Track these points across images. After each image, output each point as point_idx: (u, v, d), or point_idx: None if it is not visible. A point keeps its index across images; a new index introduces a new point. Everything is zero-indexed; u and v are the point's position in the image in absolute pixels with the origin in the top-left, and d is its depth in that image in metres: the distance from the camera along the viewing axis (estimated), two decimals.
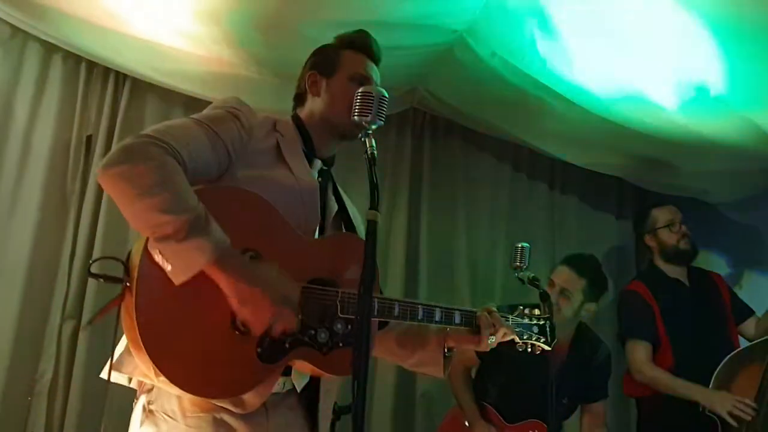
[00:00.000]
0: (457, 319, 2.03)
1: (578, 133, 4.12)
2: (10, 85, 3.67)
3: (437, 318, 1.99)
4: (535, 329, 2.20)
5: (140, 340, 1.54)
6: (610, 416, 3.86)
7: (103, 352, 3.58)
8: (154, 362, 1.54)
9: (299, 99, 2.19)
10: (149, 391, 1.82)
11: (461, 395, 3.55)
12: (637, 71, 3.31)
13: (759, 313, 3.81)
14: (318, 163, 2.08)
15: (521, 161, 4.93)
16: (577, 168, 4.79)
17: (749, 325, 3.81)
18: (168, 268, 1.54)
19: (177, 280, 1.54)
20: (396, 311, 1.90)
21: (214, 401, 1.70)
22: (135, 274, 1.58)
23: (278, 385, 1.82)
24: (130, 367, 1.74)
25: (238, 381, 1.65)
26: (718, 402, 3.36)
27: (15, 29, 3.66)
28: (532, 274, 2.76)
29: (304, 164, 1.99)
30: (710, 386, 3.43)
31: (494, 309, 2.09)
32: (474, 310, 2.09)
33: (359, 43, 2.17)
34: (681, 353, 3.65)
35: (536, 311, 2.23)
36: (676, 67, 3.23)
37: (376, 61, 2.18)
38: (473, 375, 3.68)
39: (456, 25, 3.35)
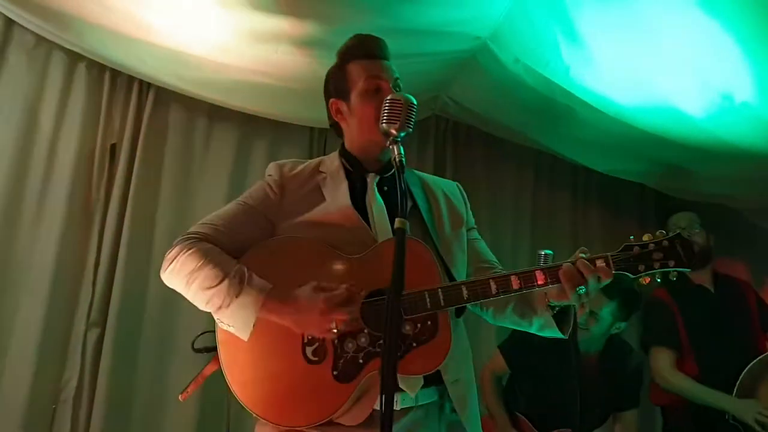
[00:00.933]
0: (541, 281, 1.84)
1: (601, 139, 4.09)
2: (35, 93, 3.70)
3: (515, 286, 1.85)
4: (659, 255, 1.89)
5: (234, 393, 1.80)
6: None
7: (127, 359, 3.63)
8: (249, 409, 1.79)
9: (336, 129, 2.18)
10: None
11: (492, 404, 3.53)
12: (663, 78, 3.29)
13: None
14: (372, 176, 2.05)
15: (543, 168, 4.93)
16: (599, 174, 4.76)
17: None
18: (233, 330, 1.79)
19: (243, 337, 1.79)
20: (465, 295, 1.84)
21: (311, 428, 1.80)
22: (217, 342, 1.85)
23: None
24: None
25: (324, 406, 1.78)
26: (744, 410, 3.32)
27: (39, 38, 3.69)
28: None
29: (343, 190, 2.02)
30: (734, 393, 3.39)
31: (582, 255, 1.86)
32: (558, 264, 1.86)
33: (355, 51, 2.10)
34: (705, 360, 3.60)
35: (658, 234, 1.92)
36: (701, 74, 3.20)
37: (381, 56, 2.08)
38: (504, 383, 3.65)
39: (479, 32, 3.35)
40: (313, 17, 3.17)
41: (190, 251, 1.83)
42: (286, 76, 3.67)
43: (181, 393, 1.98)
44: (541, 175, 4.92)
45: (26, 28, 3.63)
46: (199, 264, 1.80)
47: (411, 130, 1.78)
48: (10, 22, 3.63)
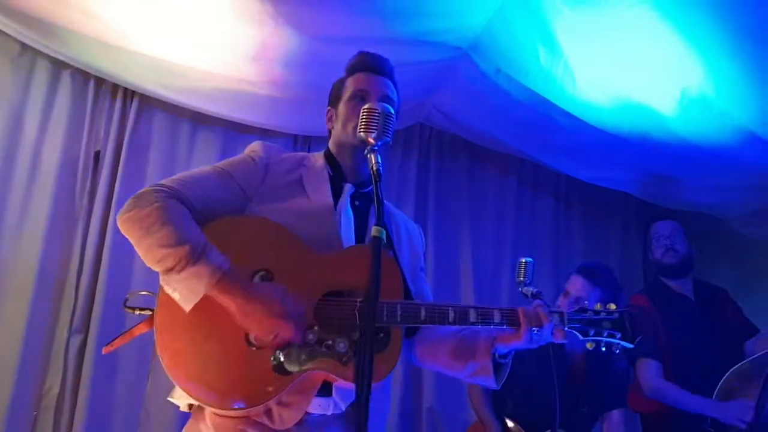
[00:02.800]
0: (497, 318, 1.89)
1: (583, 148, 4.13)
2: (20, 101, 3.71)
3: (472, 319, 1.88)
4: (608, 324, 1.99)
5: (162, 361, 1.71)
6: None
7: (109, 366, 3.63)
8: (174, 380, 1.71)
9: (329, 134, 2.22)
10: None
11: (481, 412, 3.54)
12: (643, 88, 3.33)
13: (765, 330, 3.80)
14: (348, 187, 2.08)
15: (526, 176, 4.96)
16: (582, 182, 4.79)
17: (752, 343, 3.79)
18: (176, 297, 1.70)
19: (186, 307, 1.69)
20: (422, 315, 1.85)
21: (235, 413, 1.75)
22: (156, 304, 1.76)
23: (321, 407, 1.84)
24: (179, 392, 1.82)
25: (255, 393, 1.71)
26: (727, 411, 3.34)
27: (24, 46, 3.70)
28: (536, 289, 2.77)
29: (325, 190, 2.04)
30: (713, 397, 3.43)
31: (541, 303, 1.95)
32: (515, 308, 1.93)
33: (355, 64, 2.19)
34: (684, 368, 3.63)
35: (610, 306, 2.02)
36: (683, 83, 3.24)
37: (378, 71, 2.16)
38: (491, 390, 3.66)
39: (460, 42, 3.38)
40: (296, 27, 3.19)
41: (155, 203, 1.75)
42: (269, 85, 3.70)
43: (106, 346, 1.92)
44: (523, 183, 4.95)
45: (11, 36, 3.64)
46: (163, 220, 1.72)
47: (389, 139, 1.79)
48: None
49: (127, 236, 1.78)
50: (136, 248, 1.76)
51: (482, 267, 4.60)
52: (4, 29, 3.59)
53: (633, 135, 3.80)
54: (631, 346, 1.99)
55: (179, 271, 1.67)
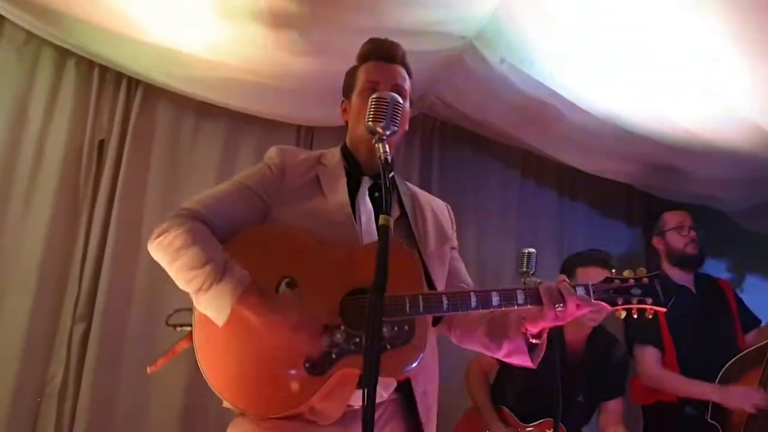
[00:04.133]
0: (521, 299, 1.88)
1: (587, 139, 4.12)
2: (24, 89, 3.71)
3: (495, 302, 1.87)
4: (637, 291, 1.95)
5: (204, 374, 1.80)
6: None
7: (112, 356, 3.64)
8: (217, 392, 1.79)
9: (346, 126, 2.23)
10: None
11: (479, 398, 3.56)
12: (648, 79, 3.32)
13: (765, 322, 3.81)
14: (366, 180, 2.10)
15: (530, 167, 4.96)
16: (585, 174, 4.79)
17: (753, 334, 3.80)
18: (209, 314, 1.79)
19: (219, 322, 1.78)
20: (445, 304, 1.86)
21: (276, 416, 1.82)
22: (193, 320, 1.86)
23: (360, 399, 1.84)
24: None
25: (293, 397, 1.78)
26: (734, 396, 3.35)
27: (30, 34, 3.70)
28: (539, 280, 2.76)
29: (341, 188, 2.06)
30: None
31: (564, 278, 1.93)
32: (538, 286, 1.91)
33: (366, 52, 2.19)
34: (686, 359, 3.64)
35: (640, 270, 1.98)
36: (686, 76, 3.23)
37: (389, 59, 2.16)
38: (492, 379, 3.68)
39: (465, 32, 3.37)
40: (301, 17, 3.18)
41: (180, 229, 1.83)
42: (274, 75, 3.69)
43: (150, 366, 2.00)
44: (527, 175, 4.95)
45: (16, 24, 3.64)
46: (187, 243, 1.80)
47: (397, 128, 1.79)
48: (0, 18, 3.64)
49: (159, 261, 1.88)
50: (168, 272, 1.86)
51: (485, 258, 4.61)
52: (9, 17, 3.60)
53: (636, 126, 3.80)
54: (664, 309, 1.97)
55: (206, 290, 1.76)
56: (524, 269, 2.73)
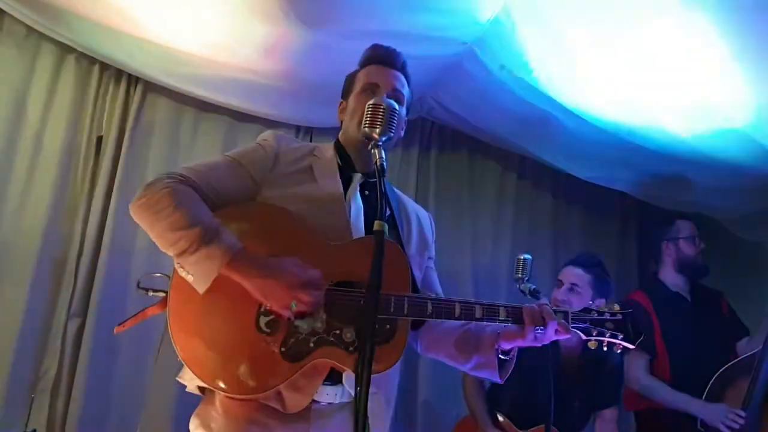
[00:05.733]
0: (503, 315, 1.92)
1: (583, 147, 4.14)
2: (24, 84, 3.72)
3: (478, 315, 1.90)
4: (610, 325, 2.03)
5: (173, 343, 1.75)
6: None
7: (107, 350, 3.64)
8: (185, 362, 1.75)
9: (341, 125, 2.24)
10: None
11: (474, 405, 3.58)
12: (645, 90, 3.34)
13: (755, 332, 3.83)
14: (358, 177, 2.11)
15: (526, 172, 4.97)
16: (581, 181, 4.81)
17: (743, 344, 3.83)
18: (190, 279, 1.74)
19: (200, 288, 1.73)
20: (429, 309, 1.88)
21: (245, 397, 1.78)
22: (170, 287, 1.80)
23: (329, 395, 1.87)
24: (189, 374, 1.83)
25: (264, 379, 1.75)
26: (712, 413, 3.39)
27: (30, 29, 3.71)
28: (533, 286, 2.79)
29: (335, 180, 2.06)
30: (703, 397, 3.47)
31: (546, 303, 1.99)
32: (521, 305, 1.97)
33: (367, 56, 2.22)
34: (678, 366, 3.67)
35: (614, 306, 2.06)
36: (684, 88, 3.25)
37: (390, 64, 2.19)
38: (488, 385, 3.69)
39: (465, 37, 3.38)
40: (304, 21, 3.19)
41: (166, 189, 1.79)
42: (274, 75, 3.70)
43: (118, 325, 1.95)
44: (523, 180, 4.97)
45: (17, 19, 3.65)
46: (175, 204, 1.76)
47: (392, 134, 1.81)
48: (1, 13, 3.65)
49: (139, 223, 1.82)
50: (149, 233, 1.79)
51: (480, 263, 4.62)
52: (10, 12, 3.60)
53: (633, 136, 3.81)
54: (632, 347, 2.03)
55: (192, 253, 1.70)
56: (519, 275, 2.75)
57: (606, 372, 3.52)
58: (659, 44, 2.95)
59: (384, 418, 1.98)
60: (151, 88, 4.01)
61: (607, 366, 3.52)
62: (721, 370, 3.49)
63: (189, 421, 1.95)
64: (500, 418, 3.50)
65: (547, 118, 3.85)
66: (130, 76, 3.97)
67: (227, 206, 1.89)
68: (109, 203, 3.80)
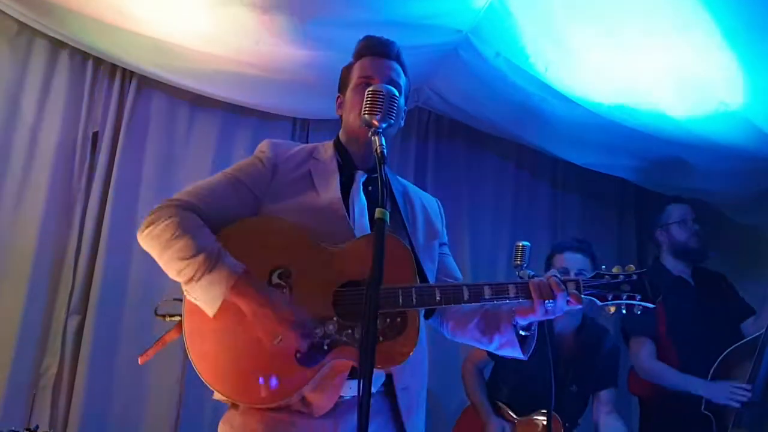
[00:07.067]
0: (512, 293, 1.90)
1: (581, 133, 4.13)
2: (17, 80, 3.70)
3: (487, 296, 1.89)
4: (627, 287, 1.97)
5: (194, 364, 1.79)
6: None
7: (107, 348, 3.64)
8: (206, 382, 1.78)
9: (341, 121, 2.22)
10: None
11: (474, 395, 3.59)
12: (641, 74, 3.33)
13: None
14: (359, 174, 2.10)
15: (524, 161, 4.97)
16: (579, 167, 4.80)
17: (749, 324, 3.83)
18: (200, 304, 1.79)
19: (209, 312, 1.78)
20: (437, 297, 1.87)
21: (266, 406, 1.82)
22: (183, 311, 1.85)
23: (354, 389, 1.84)
24: None
25: (283, 387, 1.77)
26: (718, 391, 3.39)
27: (22, 25, 3.68)
28: (533, 273, 2.78)
29: (334, 183, 2.05)
30: (708, 379, 3.47)
31: (555, 274, 1.94)
32: (527, 281, 1.94)
33: (361, 49, 2.19)
34: (684, 350, 3.67)
35: (629, 267, 1.99)
36: (680, 72, 3.24)
37: (384, 54, 2.16)
38: (487, 375, 3.70)
39: (460, 26, 3.37)
40: (297, 11, 3.18)
41: (170, 218, 1.83)
42: (269, 67, 3.69)
43: (140, 355, 1.97)
44: (522, 168, 4.97)
45: (8, 15, 3.62)
46: (178, 233, 1.80)
47: (393, 121, 1.80)
48: None
49: (148, 252, 1.87)
50: (158, 262, 1.84)
51: (479, 251, 4.62)
52: (2, 8, 3.58)
53: (630, 121, 3.80)
54: (653, 306, 1.97)
55: (198, 280, 1.75)
56: (518, 262, 2.74)
57: (602, 354, 3.53)
58: (655, 28, 2.95)
59: (418, 411, 2.00)
60: (146, 82, 3.99)
61: (603, 349, 3.53)
62: (726, 351, 3.50)
63: (193, 419, 1.96)
64: (501, 407, 3.51)
65: (544, 105, 3.84)
66: (124, 70, 3.95)
67: (230, 224, 1.91)
68: (106, 198, 3.79)
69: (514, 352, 2.02)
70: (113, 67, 3.93)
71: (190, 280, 1.76)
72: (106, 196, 3.79)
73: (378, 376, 1.89)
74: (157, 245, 1.82)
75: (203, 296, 1.77)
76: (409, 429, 1.93)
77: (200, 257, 1.75)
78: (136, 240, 1.88)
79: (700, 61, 3.10)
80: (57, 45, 3.79)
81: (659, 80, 3.35)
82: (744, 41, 2.92)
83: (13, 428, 2.94)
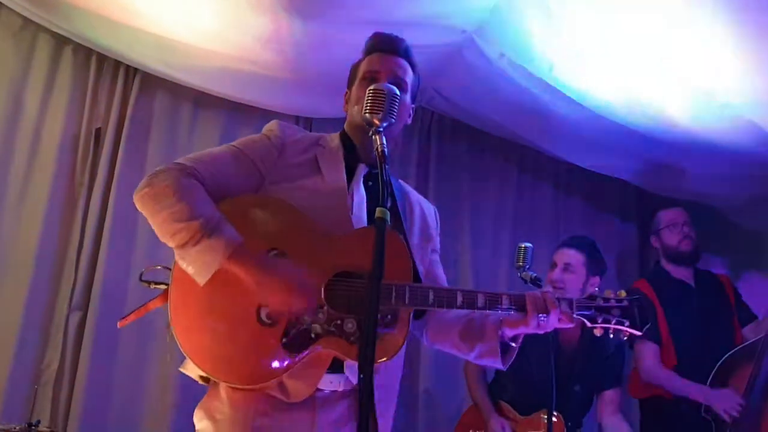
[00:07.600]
0: (505, 304, 1.91)
1: (584, 135, 4.13)
2: (21, 76, 3.71)
3: (480, 304, 1.89)
4: (617, 312, 2.00)
5: (175, 334, 1.74)
6: None
7: (108, 343, 3.64)
8: (186, 354, 1.74)
9: (343, 120, 2.23)
10: None
11: (476, 394, 3.59)
12: (645, 77, 3.32)
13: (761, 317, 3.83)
14: (362, 168, 2.10)
15: (527, 162, 4.96)
16: (582, 169, 4.80)
17: (750, 329, 3.83)
18: (191, 271, 1.73)
19: (200, 281, 1.72)
20: (431, 299, 1.87)
21: (244, 387, 1.79)
22: (170, 279, 1.79)
23: (333, 383, 1.86)
24: (191, 365, 1.82)
25: (265, 369, 1.75)
26: (717, 400, 3.40)
27: (26, 20, 3.69)
28: (535, 274, 2.79)
29: (340, 171, 2.04)
30: (708, 383, 3.48)
31: (549, 291, 2.00)
32: (524, 293, 1.95)
33: (370, 44, 2.20)
34: (684, 353, 3.67)
35: (621, 293, 2.04)
36: (683, 74, 3.23)
37: (391, 51, 2.16)
38: (490, 373, 3.70)
39: (465, 26, 3.37)
40: (302, 10, 3.18)
41: (172, 180, 1.79)
42: (272, 66, 3.69)
43: (121, 319, 1.95)
44: (524, 170, 4.96)
45: (13, 10, 3.63)
46: (177, 196, 1.76)
47: (394, 120, 1.79)
48: None
49: (142, 212, 1.82)
50: (150, 223, 1.79)
51: (481, 251, 4.62)
52: (6, 3, 3.59)
53: (634, 123, 3.80)
54: (639, 333, 2.01)
55: (194, 245, 1.69)
56: (520, 263, 2.75)
57: (606, 355, 3.52)
58: (660, 30, 2.94)
59: (387, 407, 1.98)
60: (149, 79, 3.99)
61: (607, 349, 3.53)
62: (726, 356, 3.50)
63: (193, 414, 1.95)
64: (504, 406, 3.51)
65: (548, 107, 3.84)
66: (127, 67, 3.96)
67: (231, 197, 1.88)
68: (108, 195, 3.80)
69: (494, 363, 2.02)
70: (117, 64, 3.94)
71: (185, 244, 1.70)
72: (109, 193, 3.80)
73: (355, 370, 1.86)
74: (153, 205, 1.78)
75: (197, 263, 1.71)
76: (381, 422, 1.92)
77: (198, 221, 1.71)
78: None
79: (707, 65, 3.09)
80: (61, 41, 3.80)
81: (664, 83, 3.34)
82: (748, 43, 2.91)
83: (15, 423, 2.95)
